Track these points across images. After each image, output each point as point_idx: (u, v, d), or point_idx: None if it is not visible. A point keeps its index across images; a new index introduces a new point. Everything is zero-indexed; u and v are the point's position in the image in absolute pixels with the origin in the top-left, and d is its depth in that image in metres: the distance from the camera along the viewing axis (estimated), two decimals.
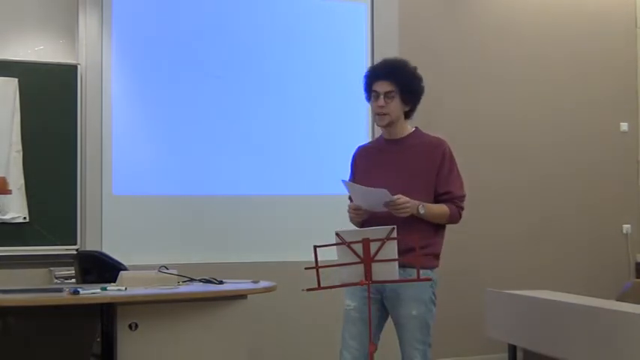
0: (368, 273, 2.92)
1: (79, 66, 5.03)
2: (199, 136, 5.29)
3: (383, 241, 2.90)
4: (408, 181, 3.27)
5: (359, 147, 3.56)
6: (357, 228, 3.31)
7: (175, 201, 5.24)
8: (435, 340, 5.66)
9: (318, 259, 2.97)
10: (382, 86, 3.32)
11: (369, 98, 3.41)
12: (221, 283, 3.87)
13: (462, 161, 5.81)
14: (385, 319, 3.36)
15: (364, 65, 5.61)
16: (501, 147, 6.03)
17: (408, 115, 3.41)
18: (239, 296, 3.70)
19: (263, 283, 3.85)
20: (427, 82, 5.76)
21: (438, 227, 3.35)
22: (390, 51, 5.66)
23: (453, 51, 5.96)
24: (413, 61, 5.66)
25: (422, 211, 3.22)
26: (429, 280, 3.17)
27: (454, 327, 5.76)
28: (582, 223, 6.18)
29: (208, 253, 5.18)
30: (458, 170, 3.42)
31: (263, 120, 5.41)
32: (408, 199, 3.18)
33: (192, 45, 5.32)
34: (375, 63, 3.43)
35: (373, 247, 2.91)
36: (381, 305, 3.31)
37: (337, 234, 2.94)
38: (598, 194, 6.25)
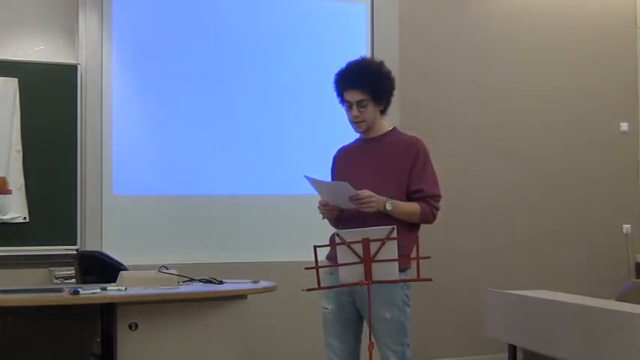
0: (368, 273, 2.91)
1: (79, 66, 5.03)
2: (199, 136, 5.28)
3: (383, 241, 2.90)
4: (381, 179, 3.25)
5: (339, 148, 3.54)
6: (356, 228, 3.29)
7: (175, 201, 5.24)
8: (435, 340, 5.74)
9: (318, 259, 2.97)
10: (353, 96, 3.27)
11: (342, 102, 3.37)
12: (221, 283, 3.87)
13: (461, 161, 5.89)
14: (362, 320, 3.35)
15: None
16: (501, 147, 6.03)
17: (383, 111, 3.38)
18: (239, 296, 3.70)
19: (263, 283, 3.85)
20: (427, 82, 5.85)
21: (411, 227, 3.30)
22: (390, 51, 5.67)
23: (452, 51, 5.96)
24: (412, 61, 5.75)
25: (389, 207, 3.17)
26: (429, 280, 3.16)
27: (454, 327, 5.77)
28: (582, 223, 6.18)
29: (208, 253, 5.18)
30: (433, 170, 3.34)
31: (263, 120, 5.40)
32: (372, 193, 3.15)
33: (192, 45, 5.32)
34: (342, 68, 3.33)
35: (373, 247, 2.91)
36: (355, 308, 3.30)
37: (337, 234, 2.94)
38: (598, 194, 6.25)
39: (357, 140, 3.49)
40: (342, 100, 3.35)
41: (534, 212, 6.07)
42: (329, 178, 3.47)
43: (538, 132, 6.13)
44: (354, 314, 3.30)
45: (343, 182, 3.14)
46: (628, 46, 6.41)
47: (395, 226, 2.94)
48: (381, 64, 3.35)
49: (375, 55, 5.63)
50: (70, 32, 5.10)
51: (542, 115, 6.15)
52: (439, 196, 3.32)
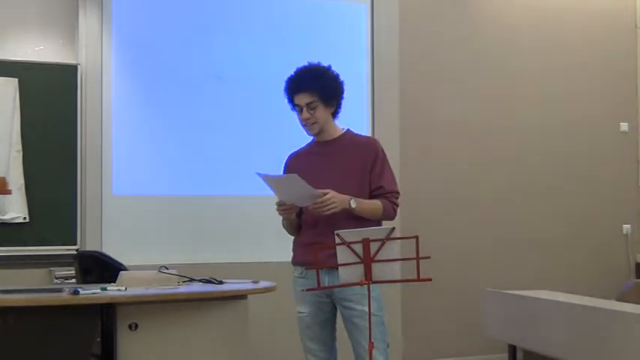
0: (368, 273, 2.91)
1: (79, 66, 5.03)
2: (199, 136, 5.28)
3: (383, 241, 2.90)
4: (344, 180, 3.29)
5: (290, 154, 3.56)
6: (356, 229, 3.29)
7: (175, 201, 5.23)
8: (435, 340, 5.75)
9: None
10: (302, 99, 3.33)
11: (293, 108, 3.42)
12: (221, 283, 3.87)
13: (462, 162, 5.89)
14: (335, 318, 3.40)
15: (364, 65, 5.62)
16: (501, 147, 6.04)
17: (335, 114, 3.44)
18: (239, 296, 3.70)
19: (263, 283, 3.85)
20: (427, 82, 5.86)
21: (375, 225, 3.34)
22: (390, 51, 5.67)
23: (452, 51, 5.96)
24: (412, 61, 5.74)
25: (353, 205, 3.23)
26: (429, 280, 3.16)
27: (454, 327, 5.78)
28: (582, 224, 6.19)
29: (208, 253, 5.18)
30: (390, 168, 3.44)
31: (263, 120, 5.40)
32: (333, 194, 3.18)
33: (192, 45, 5.32)
34: (290, 75, 3.40)
35: (373, 247, 2.91)
36: (332, 308, 3.35)
37: (337, 234, 2.94)
38: (598, 194, 6.25)
39: (309, 145, 3.53)
40: (293, 107, 3.40)
41: (534, 212, 6.08)
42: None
43: (538, 132, 6.13)
44: (330, 314, 3.36)
45: (291, 174, 3.16)
46: (628, 46, 6.41)
47: (394, 227, 2.95)
48: (328, 68, 3.41)
49: (375, 55, 5.65)
50: (70, 32, 5.10)
51: (543, 115, 6.15)
52: (397, 193, 3.41)
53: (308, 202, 3.21)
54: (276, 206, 3.33)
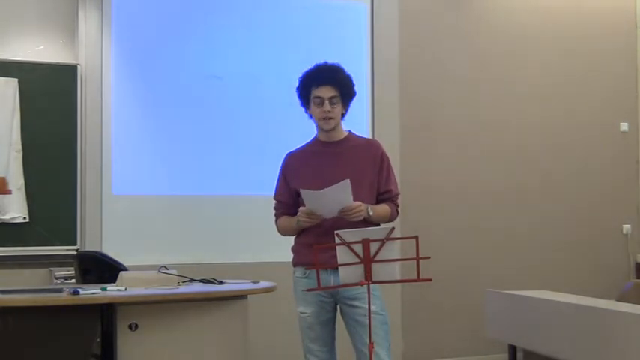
0: (368, 273, 2.92)
1: (79, 66, 5.03)
2: (199, 136, 5.28)
3: (383, 241, 2.90)
4: (357, 180, 3.29)
5: (288, 154, 3.56)
6: (356, 228, 3.30)
7: (175, 201, 5.23)
8: (435, 340, 5.75)
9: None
10: (326, 91, 3.34)
11: (304, 104, 3.42)
12: (221, 283, 3.87)
13: (462, 162, 5.90)
14: (336, 317, 3.42)
15: (364, 65, 5.62)
16: (501, 147, 6.04)
17: (342, 116, 3.46)
18: (239, 296, 3.70)
19: (263, 283, 3.85)
20: (427, 82, 5.86)
21: None
22: (390, 51, 5.67)
23: (452, 51, 5.96)
24: (413, 61, 5.75)
25: (371, 213, 3.29)
26: (429, 280, 3.17)
27: (454, 327, 5.78)
28: (582, 223, 6.18)
29: (208, 253, 5.18)
30: (393, 169, 3.49)
31: (263, 120, 5.41)
32: (360, 203, 3.24)
33: (191, 45, 5.32)
34: (310, 69, 3.40)
35: (373, 247, 2.91)
36: (333, 308, 3.37)
37: (337, 234, 2.94)
38: (598, 194, 6.25)
39: (309, 144, 3.53)
40: (307, 101, 3.40)
41: (534, 212, 6.07)
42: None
43: (538, 132, 6.13)
44: (332, 314, 3.38)
45: (343, 182, 3.15)
46: (628, 46, 6.41)
47: (394, 227, 2.95)
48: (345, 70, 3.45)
49: (375, 55, 5.65)
50: (70, 32, 5.10)
51: (543, 114, 6.15)
52: (399, 195, 3.49)
53: (335, 212, 3.23)
54: (302, 215, 3.32)
